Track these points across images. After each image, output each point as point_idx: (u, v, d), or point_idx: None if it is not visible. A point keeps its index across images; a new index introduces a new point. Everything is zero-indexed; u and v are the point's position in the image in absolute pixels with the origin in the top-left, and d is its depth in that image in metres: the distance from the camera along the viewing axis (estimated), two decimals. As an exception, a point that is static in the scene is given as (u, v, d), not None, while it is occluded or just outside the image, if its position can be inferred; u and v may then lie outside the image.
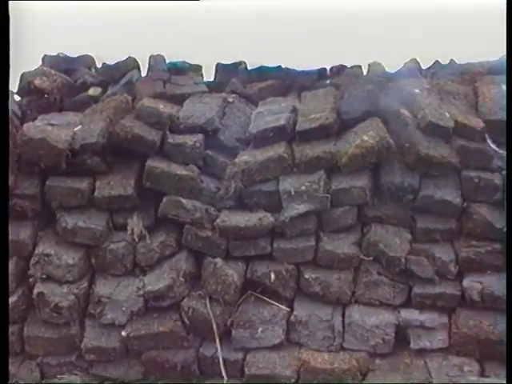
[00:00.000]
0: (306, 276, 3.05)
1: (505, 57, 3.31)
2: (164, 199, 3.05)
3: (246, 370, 3.01)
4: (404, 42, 3.83)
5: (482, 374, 2.89)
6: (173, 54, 3.54)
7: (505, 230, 2.96)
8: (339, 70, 3.47)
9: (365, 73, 3.49)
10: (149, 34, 3.85)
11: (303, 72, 3.46)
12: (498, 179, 3.00)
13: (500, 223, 2.95)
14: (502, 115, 3.10)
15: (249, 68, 3.52)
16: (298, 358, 2.99)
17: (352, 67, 3.48)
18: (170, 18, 3.85)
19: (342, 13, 4.12)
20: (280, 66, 3.48)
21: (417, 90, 3.17)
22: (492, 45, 3.31)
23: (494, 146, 3.05)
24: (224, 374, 2.99)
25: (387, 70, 3.46)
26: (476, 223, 3.00)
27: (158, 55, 3.60)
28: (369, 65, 3.51)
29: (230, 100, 3.35)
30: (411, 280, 3.05)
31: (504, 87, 3.23)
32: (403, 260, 3.01)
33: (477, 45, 3.53)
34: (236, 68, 3.52)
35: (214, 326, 3.01)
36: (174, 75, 3.54)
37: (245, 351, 3.05)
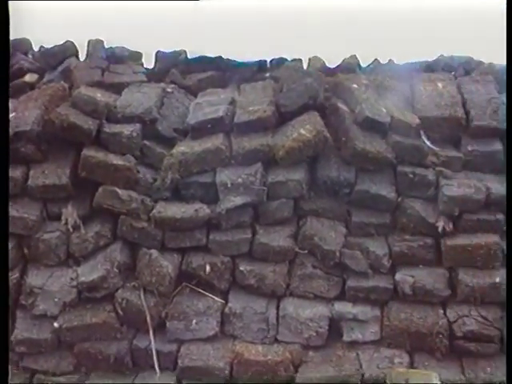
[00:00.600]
0: (241, 268, 3.11)
1: (442, 56, 3.43)
2: (99, 189, 3.08)
3: (179, 361, 3.04)
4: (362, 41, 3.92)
5: (412, 365, 2.97)
6: (112, 41, 3.53)
7: (438, 225, 3.04)
8: (279, 62, 3.53)
9: (305, 67, 3.54)
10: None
11: (243, 64, 3.51)
12: (431, 175, 3.11)
13: (432, 218, 3.04)
14: (437, 112, 3.20)
15: (189, 57, 3.53)
16: (231, 350, 3.05)
17: (292, 60, 3.55)
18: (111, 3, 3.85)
19: (290, 6, 4.17)
20: (221, 57, 3.54)
21: (355, 85, 3.25)
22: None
23: (428, 143, 3.17)
24: (156, 365, 3.02)
25: (328, 65, 3.50)
26: (409, 218, 3.09)
27: (98, 41, 3.59)
28: (309, 59, 3.58)
29: (169, 90, 3.39)
30: (345, 273, 3.12)
31: (440, 84, 3.34)
32: (338, 253, 3.09)
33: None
34: (176, 57, 3.55)
35: (148, 318, 3.04)
36: (113, 63, 3.53)
37: (179, 343, 3.10)
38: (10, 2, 2.48)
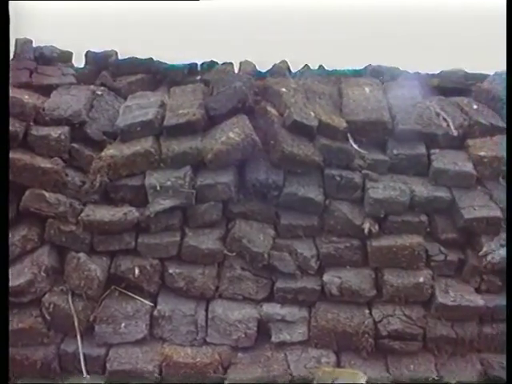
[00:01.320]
0: (170, 271, 3.19)
1: (370, 65, 3.59)
2: (26, 192, 3.12)
3: (108, 365, 3.10)
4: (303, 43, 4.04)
5: (339, 364, 3.10)
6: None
7: (364, 226, 3.19)
8: (210, 66, 3.63)
9: (236, 71, 3.66)
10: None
11: (173, 66, 3.60)
12: (358, 178, 3.24)
13: (358, 220, 3.19)
14: (364, 116, 3.35)
15: (120, 58, 3.61)
16: (160, 353, 3.12)
17: (223, 64, 3.66)
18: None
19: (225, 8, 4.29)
20: (151, 59, 3.62)
21: (284, 89, 3.38)
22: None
23: (355, 146, 3.31)
24: (84, 370, 3.08)
25: (259, 69, 3.63)
26: (336, 220, 3.22)
27: (26, 40, 3.63)
28: (240, 63, 3.70)
29: (99, 93, 3.46)
30: (274, 275, 3.21)
31: (367, 89, 3.50)
32: (266, 255, 3.18)
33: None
34: (107, 58, 3.63)
35: (76, 322, 3.10)
36: (41, 64, 3.58)
37: (107, 347, 3.16)
38: (10, 2, 2.54)
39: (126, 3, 4.04)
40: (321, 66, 3.66)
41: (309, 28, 4.37)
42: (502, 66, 3.29)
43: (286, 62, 3.68)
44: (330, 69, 3.64)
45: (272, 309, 3.25)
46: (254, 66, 3.65)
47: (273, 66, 3.66)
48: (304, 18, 4.41)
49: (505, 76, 3.49)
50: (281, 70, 3.63)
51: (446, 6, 4.12)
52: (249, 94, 3.37)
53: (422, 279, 3.17)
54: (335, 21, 4.27)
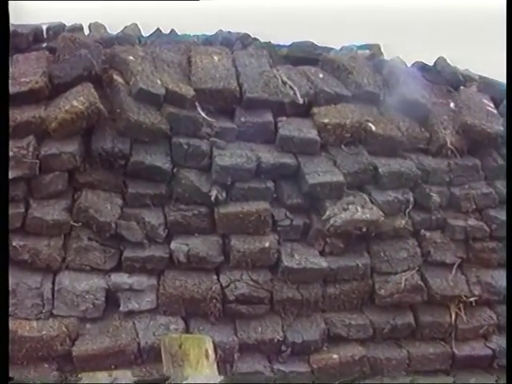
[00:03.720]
0: (14, 244, 3.30)
1: (220, 31, 3.90)
2: None
3: None
4: None
5: (187, 331, 3.37)
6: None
7: (211, 194, 3.50)
8: (56, 31, 3.80)
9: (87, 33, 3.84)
10: None
11: (16, 32, 3.74)
12: (205, 145, 3.50)
13: (206, 188, 3.48)
14: (212, 84, 3.65)
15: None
16: (4, 328, 3.28)
17: (70, 27, 3.83)
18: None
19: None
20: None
21: (131, 57, 3.63)
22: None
23: (203, 114, 3.57)
24: None
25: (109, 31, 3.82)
26: (184, 188, 3.46)
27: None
28: (90, 25, 3.89)
29: None
30: (122, 244, 3.39)
31: (216, 58, 3.82)
32: (114, 225, 3.36)
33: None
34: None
35: None
36: None
37: None
38: (10, 2, 2.61)
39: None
40: (172, 31, 3.88)
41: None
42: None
43: (137, 26, 3.88)
44: (181, 33, 3.81)
45: (120, 278, 3.41)
46: (105, 29, 3.81)
47: (123, 29, 3.83)
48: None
49: (352, 48, 3.90)
50: (130, 37, 3.81)
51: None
52: (95, 62, 3.53)
53: (268, 244, 3.43)
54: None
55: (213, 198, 3.47)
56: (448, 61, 4.03)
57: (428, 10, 5.42)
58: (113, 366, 3.17)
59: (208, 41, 3.80)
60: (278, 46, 3.88)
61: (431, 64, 4.01)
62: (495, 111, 3.81)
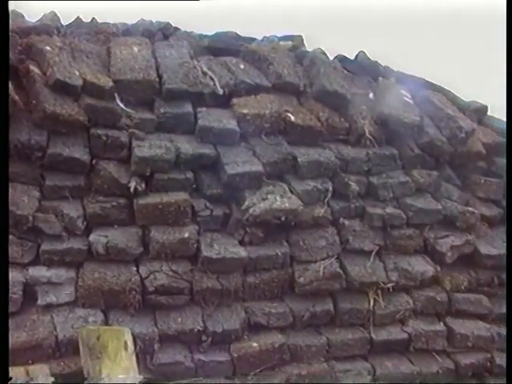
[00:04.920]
0: None
1: (142, 20, 3.77)
2: None
3: None
4: None
5: (107, 323, 3.25)
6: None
7: (130, 185, 3.38)
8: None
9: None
10: None
11: None
12: (124, 137, 3.39)
13: (125, 179, 3.36)
14: (131, 75, 3.53)
15: None
16: None
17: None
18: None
19: None
20: None
21: (48, 48, 3.47)
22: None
23: (122, 105, 3.46)
24: None
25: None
26: (103, 180, 3.34)
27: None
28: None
29: None
30: (40, 237, 3.28)
31: (136, 48, 3.70)
32: (31, 218, 3.24)
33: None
34: None
35: None
36: None
37: None
38: (10, 2, 2.55)
39: None
40: (93, 20, 3.75)
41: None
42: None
43: (56, 15, 3.74)
44: (102, 22, 3.68)
45: (38, 272, 3.29)
46: (23, 17, 3.66)
47: (41, 18, 3.68)
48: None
49: (273, 39, 3.81)
50: (49, 25, 3.66)
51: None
52: (12, 52, 3.37)
53: (187, 235, 3.35)
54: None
55: (132, 190, 3.37)
56: (368, 55, 3.94)
57: (355, 6, 5.39)
58: (30, 361, 2.98)
59: (129, 31, 3.67)
60: (201, 36, 3.70)
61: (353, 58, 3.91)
62: (411, 102, 3.76)
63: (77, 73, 3.38)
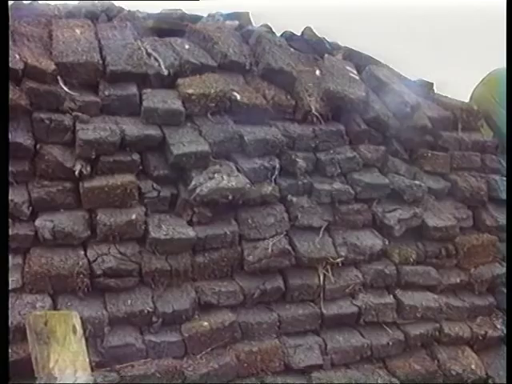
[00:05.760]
0: None
1: (85, 1, 3.64)
2: None
3: None
4: None
5: (55, 307, 3.17)
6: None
7: (75, 168, 3.27)
8: None
9: None
10: None
11: None
12: (68, 120, 3.29)
13: (70, 162, 3.26)
14: (74, 58, 3.41)
15: None
16: None
17: None
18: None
19: None
20: None
21: (-14, 32, 3.33)
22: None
23: (65, 88, 3.35)
24: None
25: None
26: (48, 164, 3.25)
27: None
28: None
29: None
30: None
31: (78, 31, 3.57)
32: (-25, 205, 3.12)
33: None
34: None
35: None
36: None
37: None
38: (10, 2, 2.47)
39: None
40: (34, 1, 3.62)
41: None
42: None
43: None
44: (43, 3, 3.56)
45: None
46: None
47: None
48: None
49: (218, 17, 3.71)
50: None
51: None
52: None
53: (134, 216, 3.29)
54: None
55: (77, 173, 3.31)
56: (315, 31, 3.86)
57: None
58: (-23, 350, 2.90)
59: (71, 13, 3.55)
60: (146, 17, 3.58)
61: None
62: (357, 77, 3.71)
63: (17, 56, 3.28)
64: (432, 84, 4.08)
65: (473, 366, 3.53)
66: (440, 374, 3.50)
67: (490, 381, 3.50)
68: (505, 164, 4.02)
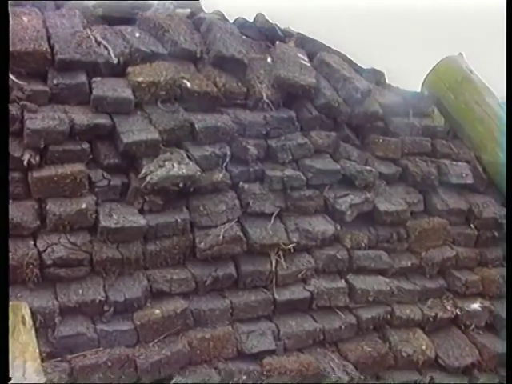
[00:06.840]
0: None
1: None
2: None
3: None
4: None
5: (5, 299, 3.05)
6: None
7: (23, 158, 3.16)
8: None
9: None
10: None
11: None
12: (16, 110, 3.20)
13: (18, 152, 3.15)
14: (21, 46, 3.29)
15: None
16: None
17: None
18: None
19: None
20: None
21: None
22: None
23: (13, 77, 3.23)
24: None
25: None
26: None
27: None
28: None
29: None
30: None
31: (25, 19, 3.44)
32: None
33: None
34: None
35: None
36: None
37: None
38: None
39: None
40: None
41: None
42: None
43: None
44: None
45: None
46: None
47: None
48: None
49: (168, 6, 3.60)
50: None
51: None
52: None
53: (85, 205, 3.23)
54: None
55: (25, 163, 3.21)
56: (267, 17, 3.77)
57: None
58: None
59: (18, 1, 3.36)
60: (96, 4, 3.46)
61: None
62: (309, 64, 3.64)
63: (-38, 45, 3.07)
64: (383, 72, 4.01)
65: (423, 347, 3.51)
66: (391, 355, 3.47)
67: (439, 361, 3.48)
68: (455, 149, 3.98)
